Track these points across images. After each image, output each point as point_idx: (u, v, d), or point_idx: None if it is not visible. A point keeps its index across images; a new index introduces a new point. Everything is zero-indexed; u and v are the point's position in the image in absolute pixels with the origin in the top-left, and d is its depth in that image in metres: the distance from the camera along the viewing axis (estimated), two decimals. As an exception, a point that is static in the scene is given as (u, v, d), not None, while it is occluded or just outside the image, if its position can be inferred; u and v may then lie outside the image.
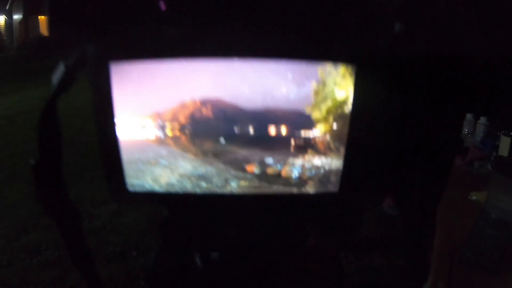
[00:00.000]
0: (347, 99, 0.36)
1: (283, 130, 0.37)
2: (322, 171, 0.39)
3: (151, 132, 0.38)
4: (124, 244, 1.69)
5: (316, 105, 0.36)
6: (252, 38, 0.34)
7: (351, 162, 0.38)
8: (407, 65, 0.34)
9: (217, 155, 0.38)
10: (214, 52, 0.34)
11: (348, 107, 0.36)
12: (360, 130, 0.37)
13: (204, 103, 0.36)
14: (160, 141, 0.38)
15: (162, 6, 0.32)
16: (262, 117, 0.36)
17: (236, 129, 0.37)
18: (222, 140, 0.37)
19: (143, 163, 0.39)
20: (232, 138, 0.37)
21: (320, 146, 0.38)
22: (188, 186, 0.39)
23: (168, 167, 0.39)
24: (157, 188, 0.40)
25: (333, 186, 0.40)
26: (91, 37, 0.38)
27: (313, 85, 0.36)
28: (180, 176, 0.39)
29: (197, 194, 0.40)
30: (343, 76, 0.36)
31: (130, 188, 0.40)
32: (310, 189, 0.40)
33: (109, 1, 0.36)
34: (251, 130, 0.37)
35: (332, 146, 0.38)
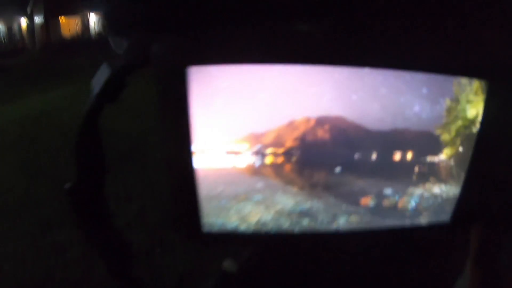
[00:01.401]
0: (476, 118, 0.31)
1: (409, 156, 0.31)
2: (439, 200, 0.34)
3: (244, 159, 0.29)
4: (148, 242, 1.63)
5: (446, 126, 0.31)
6: (387, 45, 0.27)
7: (469, 190, 0.33)
8: None
9: (328, 187, 0.30)
10: (340, 58, 0.27)
11: (476, 128, 0.31)
12: (485, 154, 0.32)
13: (320, 122, 0.28)
14: (255, 171, 0.29)
15: None
16: (389, 141, 0.30)
17: (357, 156, 0.30)
18: (337, 169, 0.30)
19: (229, 199, 0.30)
20: (350, 166, 0.30)
21: (443, 172, 0.32)
22: (285, 225, 0.31)
23: (263, 203, 0.30)
24: (243, 227, 0.31)
25: (445, 216, 0.34)
26: (156, 35, 0.28)
27: (447, 102, 0.30)
28: (277, 213, 0.31)
29: (294, 234, 0.31)
30: (476, 93, 0.30)
31: (207, 228, 0.30)
32: (423, 220, 0.34)
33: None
34: (374, 157, 0.30)
35: (454, 172, 0.33)
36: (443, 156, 0.32)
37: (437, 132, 0.31)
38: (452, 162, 0.32)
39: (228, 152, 0.28)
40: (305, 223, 0.31)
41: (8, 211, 2.14)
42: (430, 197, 0.33)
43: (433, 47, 0.28)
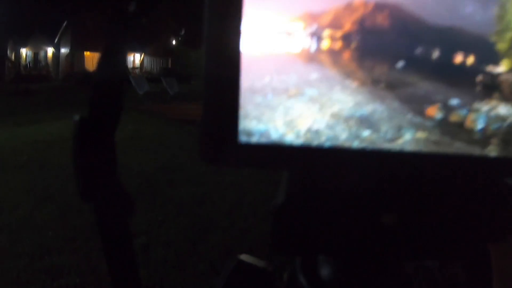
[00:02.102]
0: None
1: (470, 60, 0.28)
2: (506, 124, 0.29)
3: (299, 42, 0.25)
4: (149, 280, 1.58)
5: (500, 33, 0.29)
6: None
7: None
8: None
9: (391, 86, 0.26)
10: None
11: (526, 44, 0.30)
12: None
13: (379, 7, 0.26)
14: (310, 58, 0.25)
15: None
16: (450, 38, 0.27)
17: (419, 51, 0.26)
18: (400, 63, 0.26)
19: (277, 93, 0.24)
20: (413, 62, 0.26)
21: (506, 88, 0.29)
22: (342, 136, 0.25)
23: (318, 100, 0.24)
24: (290, 138, 0.24)
25: None
26: None
27: (495, 9, 0.29)
28: (333, 118, 0.25)
29: (354, 151, 0.25)
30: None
31: (244, 138, 0.24)
32: (492, 151, 0.29)
33: None
34: (435, 54, 0.27)
35: (515, 90, 0.30)
36: (503, 67, 0.29)
37: (493, 38, 0.29)
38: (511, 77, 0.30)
39: (280, 33, 0.24)
40: (366, 136, 0.25)
41: (10, 229, 2.12)
42: (496, 118, 0.29)
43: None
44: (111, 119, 0.27)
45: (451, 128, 0.27)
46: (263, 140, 0.24)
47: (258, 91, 0.24)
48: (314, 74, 0.25)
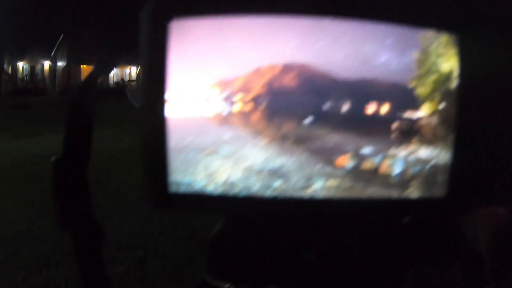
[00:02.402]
0: (452, 73, 0.30)
1: (384, 109, 0.29)
2: (428, 167, 0.30)
3: (213, 107, 0.28)
4: None
5: (420, 78, 0.30)
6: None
7: (462, 155, 0.30)
8: None
9: (299, 141, 0.28)
10: (303, 8, 0.28)
11: (455, 83, 0.30)
12: (472, 111, 0.30)
13: (286, 69, 0.28)
14: (224, 120, 0.28)
15: None
16: (359, 90, 0.29)
17: (326, 106, 0.29)
18: (307, 120, 0.28)
19: (197, 151, 0.28)
20: (320, 117, 0.28)
21: (426, 132, 0.30)
22: (256, 186, 0.28)
23: (231, 156, 0.28)
24: (211, 188, 0.28)
25: (439, 189, 0.31)
26: None
27: (415, 54, 0.30)
28: (246, 171, 0.28)
29: (266, 199, 0.28)
30: (446, 46, 0.30)
31: (174, 188, 0.28)
32: (413, 192, 0.30)
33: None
34: (345, 107, 0.29)
35: (439, 132, 0.30)
36: (423, 112, 0.30)
37: (411, 84, 0.30)
38: (435, 120, 0.30)
39: (199, 99, 0.28)
40: (277, 186, 0.29)
41: (7, 243, 2.16)
42: (416, 161, 0.30)
43: None
44: (82, 158, 0.33)
45: (364, 174, 0.29)
46: (189, 190, 0.28)
47: (182, 150, 0.28)
48: (227, 134, 0.28)
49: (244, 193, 0.28)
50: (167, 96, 0.28)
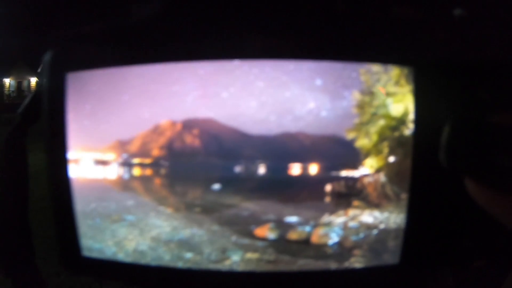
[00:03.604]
0: (406, 116, 0.23)
1: (313, 169, 0.24)
2: (375, 232, 0.24)
3: (113, 170, 0.25)
4: None
5: (361, 127, 0.23)
6: (260, 27, 0.23)
7: (419, 216, 0.24)
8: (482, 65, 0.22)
9: (208, 210, 0.24)
10: (202, 51, 0.23)
11: (409, 129, 0.23)
12: (429, 164, 0.23)
13: (187, 126, 0.24)
14: (124, 185, 0.25)
15: None
16: (279, 148, 0.23)
17: (238, 168, 0.24)
18: (215, 186, 0.24)
19: (102, 217, 0.25)
20: (231, 182, 0.24)
21: (372, 192, 0.24)
22: (166, 257, 0.25)
23: (136, 225, 0.25)
24: (121, 256, 0.26)
25: (391, 256, 0.25)
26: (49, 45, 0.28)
27: (355, 96, 0.23)
28: (153, 241, 0.25)
29: (179, 270, 0.25)
30: (398, 83, 0.23)
31: (86, 253, 0.26)
32: (357, 262, 0.25)
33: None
34: (261, 170, 0.24)
35: (389, 192, 0.24)
36: (367, 169, 0.24)
37: (349, 136, 0.23)
38: (382, 179, 0.24)
39: (97, 162, 0.25)
40: (189, 258, 0.25)
41: None
42: (359, 228, 0.24)
43: (323, 32, 0.23)
44: (20, 204, 0.33)
45: (292, 246, 0.24)
46: (100, 256, 0.26)
47: (88, 215, 0.26)
48: (130, 201, 0.25)
49: (155, 263, 0.25)
50: (69, 155, 0.25)
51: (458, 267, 0.27)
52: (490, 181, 0.16)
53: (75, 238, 0.26)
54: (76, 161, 0.25)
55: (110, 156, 0.25)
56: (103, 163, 0.25)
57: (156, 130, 0.24)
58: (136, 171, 0.25)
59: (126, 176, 0.25)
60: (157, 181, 0.24)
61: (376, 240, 0.24)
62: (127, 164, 0.25)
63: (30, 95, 0.30)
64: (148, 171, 0.24)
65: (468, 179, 0.18)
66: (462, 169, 0.17)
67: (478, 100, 0.21)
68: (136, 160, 0.24)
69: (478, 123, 0.17)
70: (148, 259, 0.25)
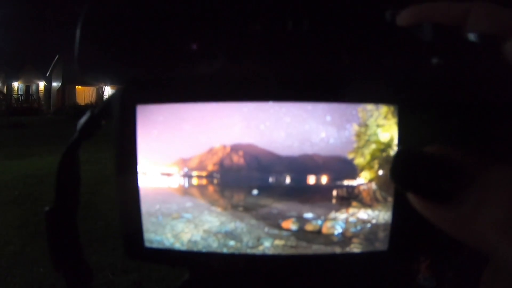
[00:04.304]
0: (392, 142, 0.33)
1: (324, 180, 0.33)
2: (369, 226, 0.34)
3: (175, 181, 0.34)
4: None
5: (358, 150, 0.33)
6: (287, 79, 0.32)
7: (401, 214, 0.33)
8: (455, 102, 0.32)
9: (248, 209, 0.33)
10: (246, 94, 0.32)
11: (394, 150, 0.33)
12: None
13: (235, 149, 0.33)
14: (185, 191, 0.34)
15: (194, 46, 0.30)
16: (300, 165, 0.33)
17: (271, 179, 0.33)
18: (254, 191, 0.33)
19: (164, 216, 0.34)
20: (266, 189, 0.33)
21: (366, 196, 0.33)
22: (214, 245, 0.34)
23: (192, 221, 0.34)
24: (177, 245, 0.34)
25: (381, 244, 0.34)
26: (119, 82, 0.36)
27: (354, 127, 0.33)
28: (205, 233, 0.34)
29: (223, 254, 0.34)
30: (386, 117, 0.33)
31: (148, 244, 0.35)
32: (355, 248, 0.34)
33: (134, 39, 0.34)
34: (287, 180, 0.33)
35: (379, 196, 0.34)
36: (362, 179, 0.33)
37: (350, 156, 0.33)
38: (373, 186, 0.33)
39: (162, 174, 0.34)
40: (232, 245, 0.34)
41: (1, 266, 2.14)
42: (356, 222, 0.34)
43: (332, 78, 0.32)
44: (72, 208, 0.40)
45: (308, 235, 0.33)
46: (160, 246, 0.35)
47: (152, 214, 0.34)
48: (188, 203, 0.34)
49: (205, 250, 0.34)
50: (138, 170, 0.33)
51: (436, 254, 0.36)
52: (429, 198, 0.23)
53: (140, 233, 0.34)
54: (144, 173, 0.34)
55: (173, 169, 0.34)
56: (168, 175, 0.34)
57: (211, 151, 0.33)
58: (194, 181, 0.34)
59: (186, 184, 0.34)
60: (211, 188, 0.33)
61: (369, 231, 0.34)
62: (187, 176, 0.34)
63: (88, 114, 0.38)
64: (204, 181, 0.33)
65: (410, 195, 0.24)
66: (404, 186, 0.23)
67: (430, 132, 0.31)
68: (194, 173, 0.33)
69: (421, 151, 0.24)
70: (200, 247, 0.34)
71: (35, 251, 2.28)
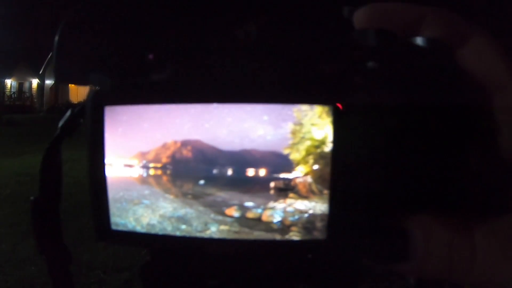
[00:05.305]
0: (326, 139, 0.36)
1: (262, 172, 0.37)
2: (306, 215, 0.37)
3: (136, 171, 0.39)
4: None
5: (294, 146, 0.36)
6: (228, 83, 0.36)
7: (337, 206, 0.36)
8: (390, 103, 0.34)
9: (196, 196, 0.38)
10: (193, 97, 0.37)
11: (328, 147, 0.36)
12: (344, 170, 0.35)
13: (184, 144, 0.37)
14: (143, 180, 0.39)
15: (151, 56, 0.35)
16: (240, 159, 0.36)
17: (215, 171, 0.37)
18: (201, 181, 0.37)
19: (127, 201, 0.39)
20: (211, 179, 0.37)
21: (302, 188, 0.37)
22: (168, 228, 0.39)
23: (150, 207, 0.39)
24: (138, 228, 0.39)
25: (319, 233, 0.37)
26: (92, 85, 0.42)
27: (289, 126, 0.36)
28: (161, 217, 0.39)
29: (176, 237, 0.38)
30: (320, 116, 0.36)
31: (114, 227, 0.40)
32: (294, 235, 0.37)
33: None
34: (229, 172, 0.37)
35: (314, 188, 0.37)
36: (298, 173, 0.36)
37: (285, 151, 0.36)
38: (309, 180, 0.36)
39: (125, 165, 0.39)
40: (183, 228, 0.38)
41: None
42: (294, 212, 0.37)
43: (269, 81, 0.36)
44: (55, 198, 0.47)
45: (249, 222, 0.37)
46: (124, 229, 0.40)
47: (117, 200, 0.40)
48: (146, 191, 0.39)
49: (161, 233, 0.39)
50: (106, 162, 0.39)
51: (369, 244, 0.38)
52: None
53: (107, 217, 0.40)
54: (110, 165, 0.39)
55: (134, 162, 0.39)
56: (130, 166, 0.39)
57: (164, 146, 0.38)
58: (151, 172, 0.39)
59: (145, 174, 0.39)
60: (164, 178, 0.38)
61: (307, 221, 0.37)
62: (145, 167, 0.39)
63: (69, 113, 0.44)
64: (159, 172, 0.38)
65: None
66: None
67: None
68: (151, 165, 0.38)
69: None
70: (157, 230, 0.39)
71: (27, 249, 2.26)
